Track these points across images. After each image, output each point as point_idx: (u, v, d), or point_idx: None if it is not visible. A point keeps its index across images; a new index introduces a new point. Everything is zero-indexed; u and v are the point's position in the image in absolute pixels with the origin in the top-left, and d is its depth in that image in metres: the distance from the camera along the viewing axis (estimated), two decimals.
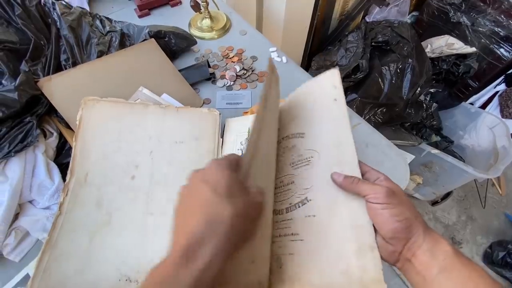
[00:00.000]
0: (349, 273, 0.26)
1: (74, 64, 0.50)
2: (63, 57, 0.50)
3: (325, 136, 0.33)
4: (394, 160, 0.47)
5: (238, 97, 0.56)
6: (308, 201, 0.31)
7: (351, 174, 0.29)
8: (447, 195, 1.15)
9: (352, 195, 0.29)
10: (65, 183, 0.40)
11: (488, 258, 1.00)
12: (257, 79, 0.60)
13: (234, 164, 0.24)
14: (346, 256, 0.27)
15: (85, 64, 0.50)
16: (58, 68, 0.49)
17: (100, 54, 0.52)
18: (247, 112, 0.53)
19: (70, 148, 0.44)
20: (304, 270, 0.28)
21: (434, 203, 1.16)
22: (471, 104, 1.20)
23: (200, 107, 0.55)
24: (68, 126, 0.46)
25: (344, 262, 0.27)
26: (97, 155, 0.43)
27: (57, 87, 0.47)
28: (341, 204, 0.29)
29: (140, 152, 0.44)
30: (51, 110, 0.47)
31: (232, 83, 0.59)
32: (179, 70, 0.57)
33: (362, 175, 0.29)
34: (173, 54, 0.61)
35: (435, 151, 0.91)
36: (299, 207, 0.31)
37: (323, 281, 0.27)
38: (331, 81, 0.35)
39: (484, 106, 1.23)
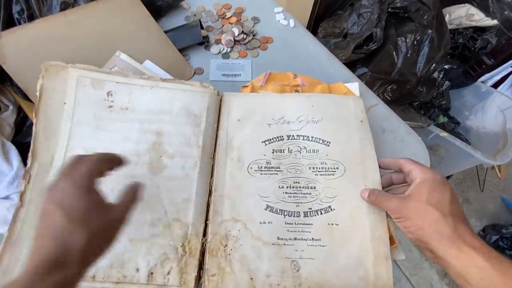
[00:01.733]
0: (365, 279, 0.30)
1: (31, 18, 0.40)
2: (15, 8, 0.40)
3: (351, 153, 0.36)
4: (413, 149, 0.41)
5: (236, 67, 0.48)
6: (331, 210, 0.33)
7: (373, 187, 0.34)
8: (447, 178, 1.13)
9: (373, 208, 0.33)
10: (26, 168, 0.33)
11: None
12: (259, 46, 0.50)
13: (95, 170, 0.24)
14: (364, 264, 0.31)
15: (45, 19, 0.40)
16: (10, 23, 0.39)
17: (65, 6, 0.42)
18: (246, 87, 0.44)
19: (32, 124, 0.36)
20: (324, 275, 0.31)
21: None
22: (483, 82, 1.13)
23: (191, 78, 0.46)
24: (27, 98, 0.38)
25: (363, 269, 0.31)
26: (65, 135, 0.35)
27: (9, 48, 0.38)
28: (364, 216, 0.33)
29: (115, 140, 0.36)
30: (5, 77, 0.38)
31: (229, 49, 0.50)
32: (165, 32, 0.47)
33: (407, 175, 0.32)
34: (158, 11, 0.50)
35: (443, 134, 0.86)
36: (321, 213, 0.33)
37: (341, 285, 0.30)
38: (359, 106, 0.40)
39: (496, 85, 1.16)
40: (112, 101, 0.37)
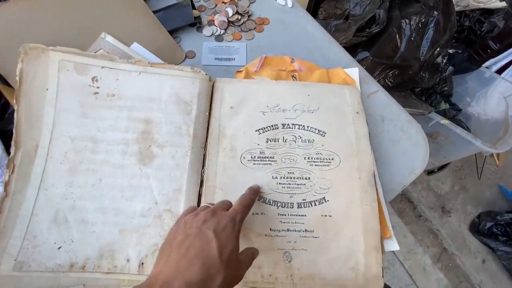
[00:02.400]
0: (356, 269, 0.31)
1: None
2: None
3: (346, 144, 0.36)
4: (414, 139, 0.40)
5: (230, 50, 0.45)
6: (325, 201, 0.33)
7: (367, 182, 0.34)
8: (445, 165, 1.13)
9: (367, 201, 0.33)
10: (10, 157, 0.32)
11: (475, 227, 1.03)
12: (254, 28, 0.48)
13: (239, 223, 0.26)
14: (355, 255, 0.31)
15: None
16: None
17: None
18: (240, 72, 0.42)
19: (14, 111, 0.35)
20: (315, 265, 0.31)
21: (430, 172, 1.14)
22: (487, 68, 1.10)
23: (182, 62, 0.44)
24: (7, 83, 0.36)
25: (353, 260, 0.31)
26: (48, 123, 0.34)
27: None
28: (357, 208, 0.33)
29: (102, 128, 0.35)
30: None
31: (222, 31, 0.47)
32: (154, 12, 0.44)
33: None
34: None
35: (444, 121, 0.84)
36: (315, 205, 0.33)
37: (333, 275, 0.30)
38: (356, 97, 0.39)
39: (500, 71, 1.13)
40: (98, 87, 0.36)
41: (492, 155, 1.19)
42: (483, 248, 1.01)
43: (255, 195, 0.31)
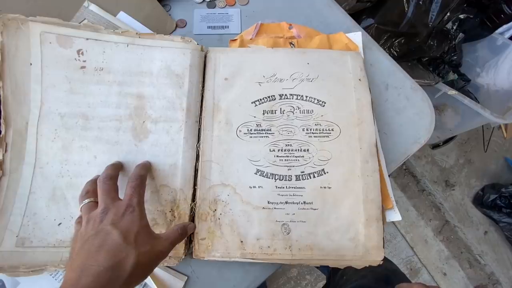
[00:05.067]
0: (356, 240, 0.30)
1: None
2: None
3: (347, 113, 0.34)
4: (419, 107, 0.38)
5: (224, 18, 0.42)
6: (325, 173, 0.32)
7: (369, 152, 0.33)
8: (450, 138, 1.10)
9: (368, 171, 0.32)
10: (1, 136, 0.31)
11: (478, 200, 1.02)
12: None
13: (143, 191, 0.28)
14: (355, 226, 0.31)
15: None
16: None
17: None
18: (235, 40, 0.40)
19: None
20: (314, 237, 0.30)
21: (435, 146, 1.12)
22: (500, 34, 1.03)
23: (172, 32, 0.41)
24: None
25: (353, 231, 0.31)
26: (36, 100, 0.32)
27: None
28: (357, 179, 0.32)
29: (92, 104, 0.33)
30: None
31: None
32: None
33: None
34: None
35: (452, 92, 0.81)
36: (314, 177, 0.32)
37: (332, 246, 0.30)
38: (358, 63, 0.36)
39: None
40: (84, 61, 0.34)
41: (500, 127, 1.16)
42: (485, 220, 1.02)
43: (144, 170, 0.30)
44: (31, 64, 0.32)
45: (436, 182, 1.09)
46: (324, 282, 0.88)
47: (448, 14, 0.77)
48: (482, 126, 1.14)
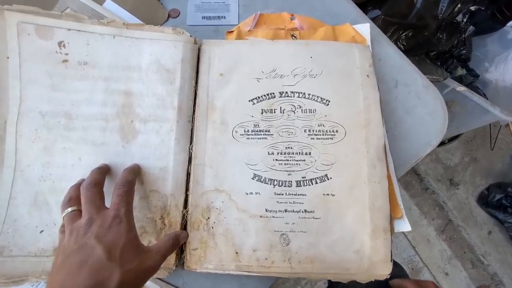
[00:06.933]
0: (361, 252, 0.28)
1: None
2: None
3: (353, 113, 0.31)
4: (431, 106, 0.35)
5: (220, 7, 0.39)
6: (328, 179, 0.30)
7: (377, 156, 0.30)
8: (456, 136, 1.07)
9: (375, 178, 0.30)
10: None
11: (483, 199, 1.00)
12: None
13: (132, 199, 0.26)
14: (360, 237, 0.28)
15: None
16: None
17: None
18: (231, 32, 0.37)
19: None
20: (315, 248, 0.28)
21: (440, 143, 1.09)
22: None
23: (164, 22, 0.38)
24: None
25: (358, 242, 0.28)
26: (15, 97, 0.30)
27: None
28: (363, 185, 0.29)
29: (76, 101, 0.31)
30: None
31: None
32: None
33: None
34: None
35: (461, 88, 0.77)
36: (316, 183, 0.30)
37: (334, 259, 0.28)
38: (367, 58, 0.33)
39: None
40: (67, 54, 0.31)
41: (507, 124, 1.12)
42: (490, 220, 1.00)
43: (132, 174, 0.28)
44: (8, 57, 0.30)
45: (440, 181, 1.06)
46: (323, 281, 0.87)
47: (459, 5, 0.73)
48: (490, 124, 1.11)
